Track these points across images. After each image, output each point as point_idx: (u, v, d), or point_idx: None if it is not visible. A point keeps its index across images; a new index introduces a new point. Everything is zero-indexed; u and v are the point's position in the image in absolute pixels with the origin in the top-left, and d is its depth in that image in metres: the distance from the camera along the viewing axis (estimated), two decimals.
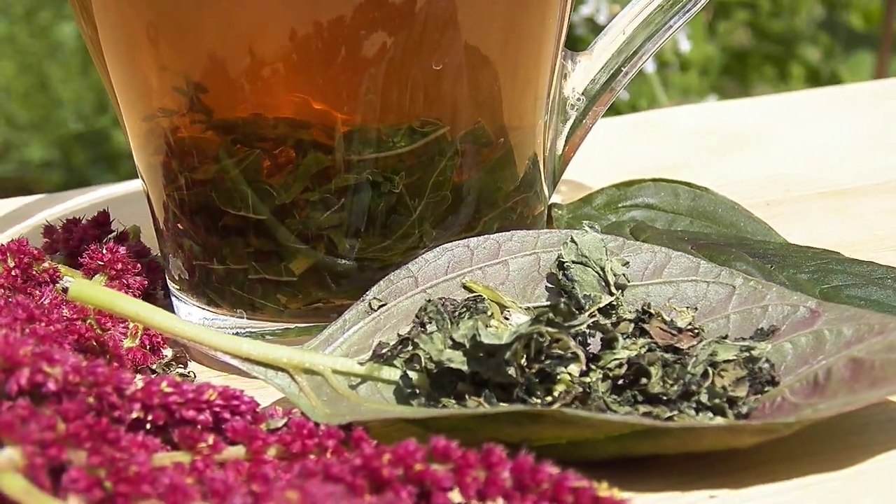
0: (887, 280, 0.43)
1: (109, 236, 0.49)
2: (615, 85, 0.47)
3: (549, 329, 0.36)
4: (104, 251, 0.45)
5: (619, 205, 0.50)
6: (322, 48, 0.40)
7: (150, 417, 0.37)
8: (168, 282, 0.47)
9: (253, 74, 0.41)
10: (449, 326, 0.38)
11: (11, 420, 0.33)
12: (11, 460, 0.33)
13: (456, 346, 0.37)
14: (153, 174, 0.44)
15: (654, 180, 0.50)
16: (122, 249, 0.45)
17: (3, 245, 0.44)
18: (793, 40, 1.53)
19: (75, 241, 0.50)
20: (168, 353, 0.44)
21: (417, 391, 0.38)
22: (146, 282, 0.46)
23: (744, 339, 0.38)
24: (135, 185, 0.64)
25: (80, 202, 0.62)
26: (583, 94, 0.47)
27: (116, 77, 0.44)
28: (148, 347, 0.43)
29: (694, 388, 0.36)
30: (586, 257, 0.40)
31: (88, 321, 0.42)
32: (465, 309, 0.39)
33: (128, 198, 0.61)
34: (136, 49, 0.43)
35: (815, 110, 0.66)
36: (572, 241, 0.40)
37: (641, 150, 0.62)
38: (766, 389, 0.37)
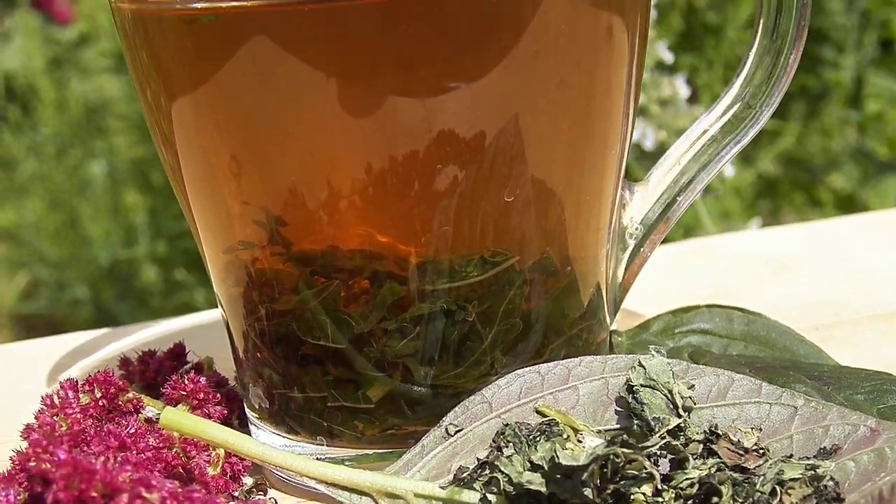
0: None
1: (185, 367, 0.52)
2: (671, 215, 0.49)
3: (624, 450, 0.38)
4: (186, 381, 0.47)
5: (676, 330, 0.51)
6: (396, 182, 0.42)
7: None
8: (247, 410, 0.48)
9: (330, 208, 0.43)
10: (527, 449, 0.40)
11: None
12: None
13: (535, 468, 0.39)
14: (234, 305, 0.46)
15: (708, 306, 0.52)
16: (203, 380, 0.47)
17: (90, 377, 0.46)
18: (821, 169, 1.55)
19: (151, 373, 0.52)
20: (248, 480, 0.46)
21: None
22: (225, 411, 0.48)
23: (808, 459, 0.40)
24: (197, 319, 0.66)
25: (145, 335, 0.64)
26: (640, 223, 0.49)
27: (198, 210, 0.46)
28: (229, 475, 0.45)
29: None
30: (654, 381, 0.41)
31: (174, 450, 0.44)
32: (540, 433, 0.41)
33: (191, 331, 0.63)
34: (217, 183, 0.45)
35: (852, 236, 0.69)
36: (640, 365, 0.42)
37: (690, 277, 0.64)
38: None
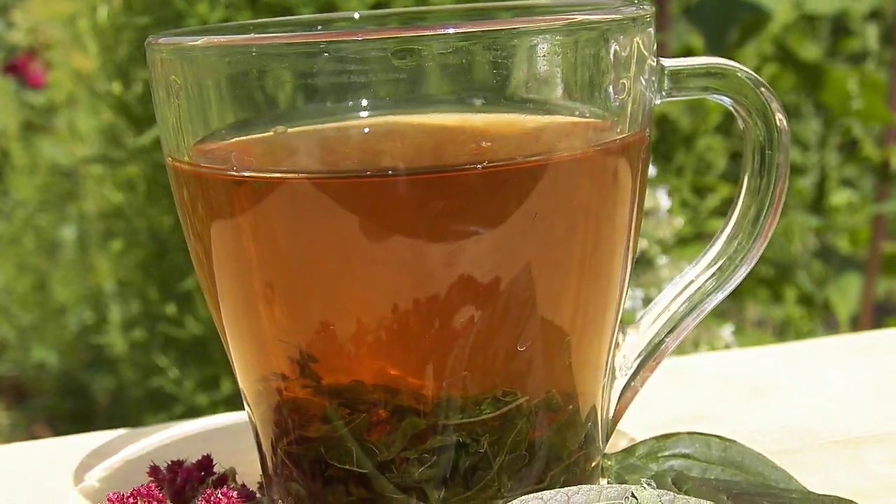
0: None
1: (212, 478, 0.56)
2: (659, 355, 0.55)
3: None
4: (220, 496, 0.51)
5: (659, 455, 0.57)
6: (419, 322, 0.48)
7: None
8: None
9: (357, 345, 0.48)
10: None
11: None
12: None
13: None
14: (266, 426, 0.52)
15: (689, 434, 0.57)
16: (234, 494, 0.52)
17: (134, 489, 0.51)
18: (787, 266, 1.62)
19: (181, 482, 0.56)
20: None
21: None
22: None
23: None
24: (213, 422, 0.71)
25: (162, 437, 0.69)
26: (632, 361, 0.55)
27: (234, 341, 0.51)
28: None
29: None
30: None
31: None
32: None
33: (208, 435, 0.68)
34: (253, 320, 0.50)
35: (822, 359, 0.74)
36: (633, 495, 0.47)
37: (670, 398, 0.69)
38: None
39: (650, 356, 0.55)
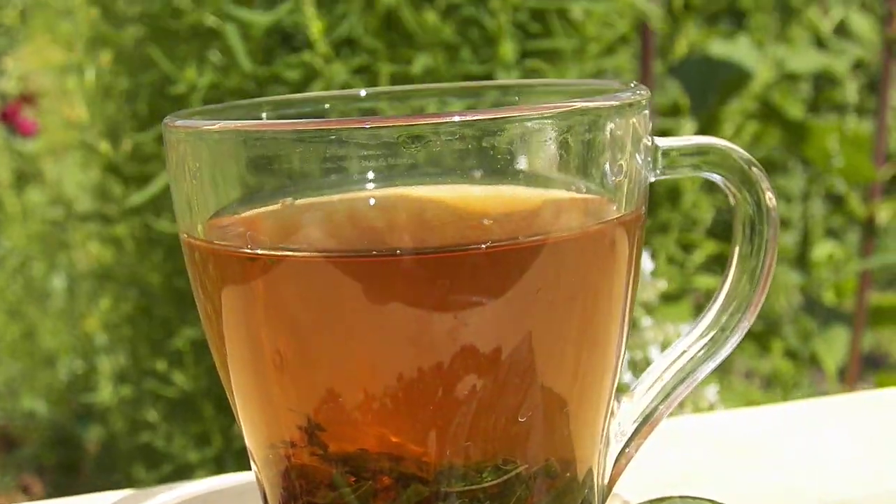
0: None
1: None
2: (653, 422, 0.57)
3: None
4: None
5: None
6: (424, 391, 0.50)
7: None
8: None
9: (363, 412, 0.50)
10: None
11: None
12: None
13: None
14: (274, 490, 0.53)
15: (681, 498, 0.59)
16: None
17: None
18: (773, 321, 1.64)
19: None
20: None
21: None
22: None
23: None
24: (216, 483, 0.72)
25: (166, 499, 0.70)
26: (627, 427, 0.57)
27: (243, 406, 0.53)
28: None
29: None
30: None
31: None
32: None
33: (210, 497, 0.69)
34: (261, 389, 0.52)
35: (812, 419, 0.76)
36: None
37: (662, 457, 0.71)
38: None
39: (644, 423, 0.57)
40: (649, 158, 0.53)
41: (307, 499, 0.52)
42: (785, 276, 1.62)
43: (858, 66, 1.98)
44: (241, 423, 0.55)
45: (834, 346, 1.74)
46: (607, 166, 0.51)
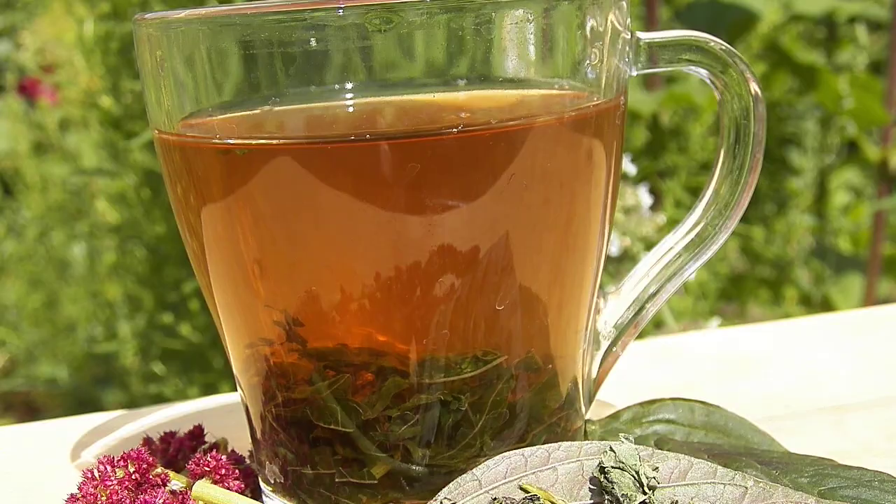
0: (874, 482, 0.51)
1: (203, 447, 0.58)
2: (640, 320, 0.56)
3: None
4: (209, 459, 0.53)
5: (643, 420, 0.58)
6: (401, 289, 0.49)
7: None
8: (262, 485, 0.54)
9: (342, 311, 0.50)
10: None
11: None
12: None
13: None
14: (253, 392, 0.53)
15: (672, 399, 0.58)
16: (224, 458, 0.53)
17: (124, 453, 0.52)
18: (786, 266, 1.63)
19: (173, 451, 0.58)
20: None
21: None
22: (243, 485, 0.53)
23: None
24: (208, 403, 0.72)
25: (159, 418, 0.70)
26: (613, 326, 0.56)
27: (223, 309, 0.53)
28: None
29: None
30: (623, 463, 0.48)
31: None
32: None
33: (203, 415, 0.69)
34: (241, 288, 0.51)
35: (810, 335, 0.75)
36: (611, 449, 0.48)
37: (656, 373, 0.70)
38: None
39: (631, 322, 0.56)
40: (629, 52, 0.52)
41: (286, 395, 0.51)
42: (799, 219, 1.61)
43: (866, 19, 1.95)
44: (222, 328, 0.54)
45: (849, 294, 1.72)
46: (585, 60, 0.50)
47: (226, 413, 0.68)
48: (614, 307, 0.56)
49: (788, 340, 0.75)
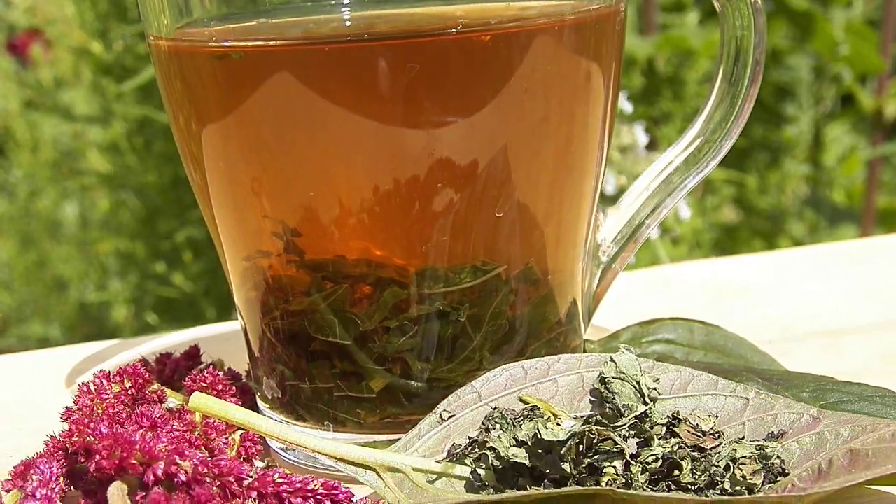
0: (876, 398, 0.50)
1: (200, 367, 0.57)
2: (639, 236, 0.55)
3: (598, 428, 0.44)
4: (206, 375, 0.52)
5: (643, 340, 0.57)
6: (400, 202, 0.48)
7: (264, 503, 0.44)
8: (258, 401, 0.54)
9: (340, 223, 0.49)
10: (512, 429, 0.46)
11: (158, 498, 0.41)
12: None
13: (519, 444, 0.45)
14: (250, 307, 0.52)
15: (672, 319, 0.58)
16: (220, 374, 0.53)
17: (120, 368, 0.52)
18: (780, 216, 1.62)
19: (169, 372, 0.57)
20: (260, 464, 0.52)
21: (486, 485, 0.45)
22: (239, 402, 0.53)
23: (757, 441, 0.46)
24: (203, 331, 0.71)
25: (154, 346, 0.70)
26: (612, 242, 0.55)
27: (221, 222, 0.52)
28: (243, 458, 0.51)
29: (718, 478, 0.44)
30: (624, 374, 0.47)
31: (196, 432, 0.50)
32: (524, 416, 0.46)
33: (199, 341, 0.69)
34: (240, 199, 0.51)
35: (804, 265, 0.75)
36: (612, 360, 0.48)
37: (653, 301, 0.70)
38: (778, 479, 0.44)
39: (630, 237, 0.55)
40: None
41: (283, 307, 0.51)
42: (793, 168, 1.60)
43: None
44: (223, 244, 0.53)
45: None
46: None
47: (222, 341, 0.67)
48: (614, 222, 0.55)
49: (783, 270, 0.75)
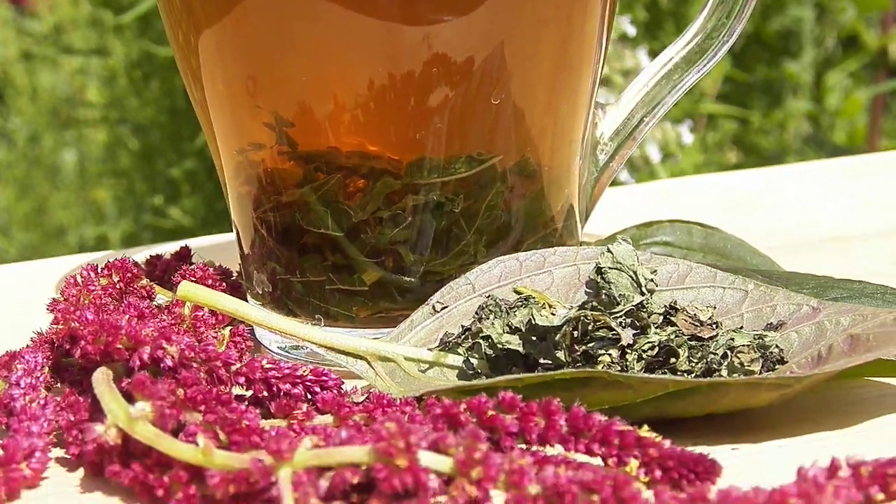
0: (877, 294, 0.49)
1: (191, 267, 0.56)
2: (637, 133, 0.54)
3: (594, 313, 0.43)
4: (196, 269, 0.51)
5: (640, 242, 0.56)
6: (394, 93, 0.47)
7: (252, 389, 0.43)
8: (249, 298, 0.53)
9: (335, 118, 0.48)
10: (506, 316, 0.45)
11: (144, 379, 0.40)
12: (144, 412, 0.39)
13: (513, 331, 0.44)
14: (242, 202, 0.51)
15: (670, 221, 0.57)
16: (211, 269, 0.52)
17: (109, 262, 0.51)
18: (781, 156, 1.61)
19: (159, 272, 0.56)
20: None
21: (478, 373, 0.44)
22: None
23: (756, 331, 0.45)
24: (192, 242, 0.70)
25: (141, 257, 0.68)
26: (610, 140, 0.54)
27: (216, 116, 0.51)
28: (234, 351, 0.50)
29: (715, 366, 0.43)
30: (621, 263, 0.46)
31: (185, 326, 0.49)
32: (518, 305, 0.46)
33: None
34: (236, 95, 0.50)
35: (810, 177, 0.74)
36: (608, 251, 0.47)
37: (652, 214, 0.68)
38: (776, 367, 0.43)
39: (629, 135, 0.54)
40: None
41: (275, 199, 0.50)
42: (794, 103, 1.59)
43: None
44: (217, 141, 0.52)
45: None
46: None
47: (214, 249, 0.66)
48: (612, 119, 0.54)
49: (789, 182, 0.74)
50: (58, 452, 0.43)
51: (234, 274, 0.55)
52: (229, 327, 0.49)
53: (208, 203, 1.40)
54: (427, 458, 0.36)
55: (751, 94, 1.68)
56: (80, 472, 0.42)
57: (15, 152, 2.57)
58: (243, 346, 0.50)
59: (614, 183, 0.60)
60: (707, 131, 1.49)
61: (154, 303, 0.51)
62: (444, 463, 0.36)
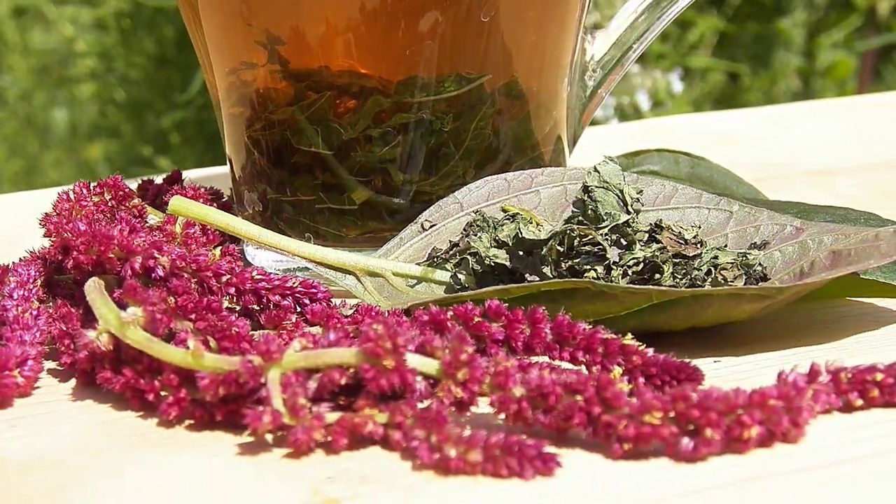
0: (861, 220, 0.50)
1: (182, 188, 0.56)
2: (626, 60, 0.55)
3: (581, 227, 0.43)
4: (187, 189, 0.52)
5: (627, 171, 0.57)
6: (384, 14, 0.48)
7: (242, 301, 0.43)
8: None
9: (326, 37, 0.49)
10: (493, 231, 0.45)
11: (135, 285, 0.40)
12: (135, 317, 0.39)
13: (500, 245, 0.44)
14: (234, 122, 0.52)
15: (657, 150, 0.58)
16: (203, 190, 0.52)
17: (101, 181, 0.51)
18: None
19: (151, 196, 0.57)
20: None
21: (466, 288, 0.45)
22: None
23: (740, 250, 0.46)
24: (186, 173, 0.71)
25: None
26: (599, 66, 0.55)
27: (209, 34, 0.51)
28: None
29: (699, 283, 0.44)
30: (607, 182, 0.47)
31: (176, 243, 0.49)
32: (506, 220, 0.46)
33: None
34: (226, 11, 0.50)
35: (798, 116, 0.75)
36: (595, 170, 0.47)
37: (641, 147, 0.69)
38: (759, 284, 0.44)
39: (618, 62, 0.55)
40: None
41: (266, 117, 0.50)
42: (786, 58, 1.59)
43: None
44: (211, 63, 0.52)
45: None
46: None
47: (205, 179, 0.66)
48: (602, 45, 0.55)
49: (777, 120, 0.74)
50: (50, 365, 0.44)
51: (225, 197, 0.55)
52: (220, 247, 0.50)
53: (198, 154, 1.40)
54: (414, 360, 0.37)
55: (742, 51, 1.68)
56: (72, 382, 0.43)
57: (6, 110, 2.56)
58: (233, 264, 0.50)
59: (602, 123, 0.61)
60: (698, 84, 1.49)
61: (146, 224, 0.52)
62: (430, 365, 0.37)
